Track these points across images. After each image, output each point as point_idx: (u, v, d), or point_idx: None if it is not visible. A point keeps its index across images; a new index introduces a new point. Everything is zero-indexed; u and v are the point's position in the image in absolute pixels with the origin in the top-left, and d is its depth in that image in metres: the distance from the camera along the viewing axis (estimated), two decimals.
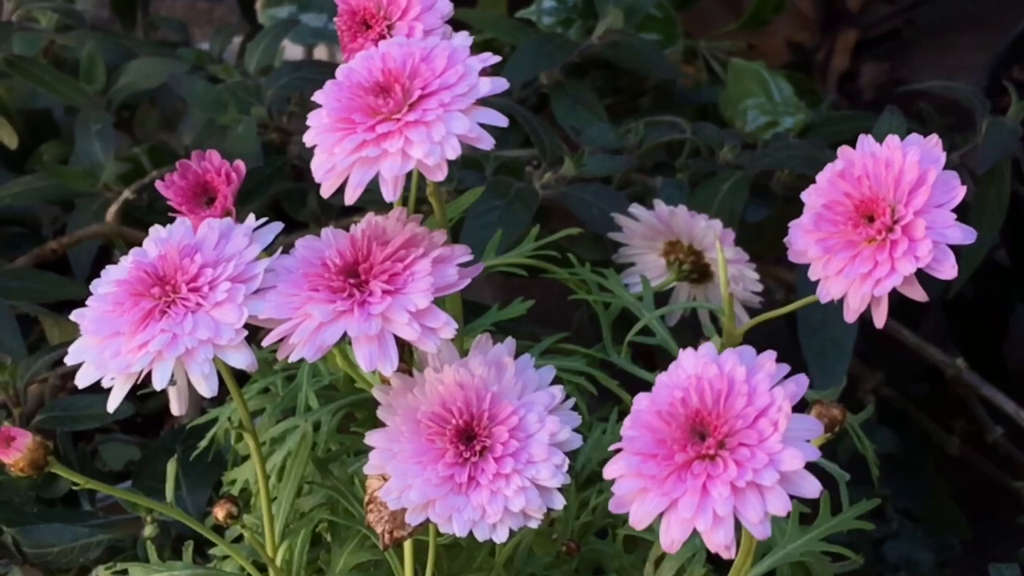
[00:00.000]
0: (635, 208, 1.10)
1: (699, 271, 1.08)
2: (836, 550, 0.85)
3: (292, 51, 1.55)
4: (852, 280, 0.71)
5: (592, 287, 0.98)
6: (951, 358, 1.28)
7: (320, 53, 1.59)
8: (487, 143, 0.73)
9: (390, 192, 0.72)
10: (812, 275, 0.73)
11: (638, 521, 0.67)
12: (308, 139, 0.75)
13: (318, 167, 0.74)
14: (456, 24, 0.81)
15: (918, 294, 0.71)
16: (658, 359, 1.09)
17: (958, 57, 1.86)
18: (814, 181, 1.18)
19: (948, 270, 0.70)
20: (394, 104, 0.72)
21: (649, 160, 1.27)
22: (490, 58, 0.75)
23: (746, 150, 1.24)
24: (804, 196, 0.74)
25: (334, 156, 0.73)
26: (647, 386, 0.93)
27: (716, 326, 1.05)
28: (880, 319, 0.72)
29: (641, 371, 0.94)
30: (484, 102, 0.74)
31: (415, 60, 0.74)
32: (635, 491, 0.67)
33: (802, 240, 0.73)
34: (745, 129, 1.34)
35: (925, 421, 1.38)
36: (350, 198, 0.73)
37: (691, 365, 0.69)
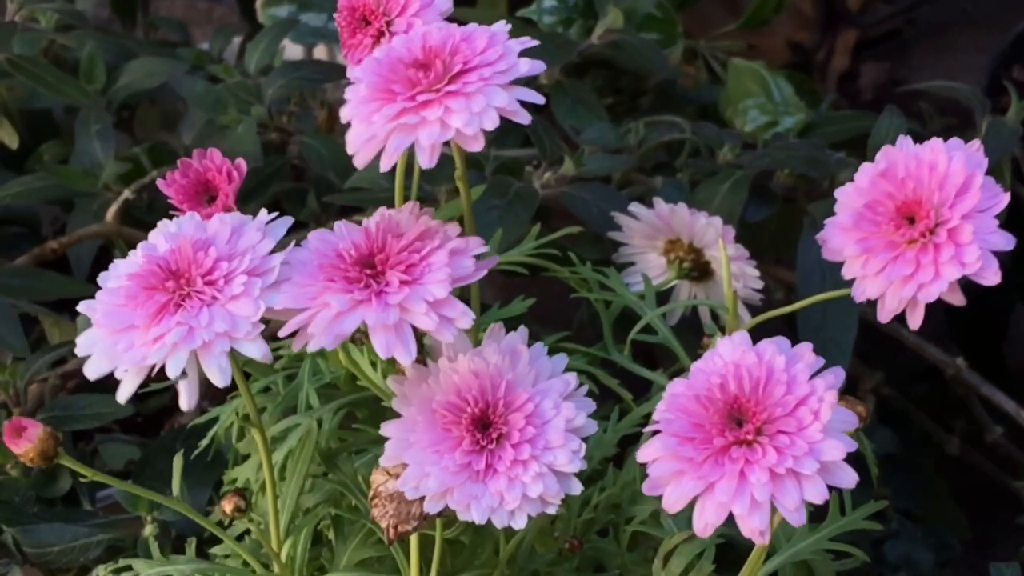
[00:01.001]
0: (635, 207, 1.10)
1: (699, 269, 1.08)
2: (840, 548, 0.85)
3: (292, 51, 1.55)
4: (892, 282, 0.71)
5: (593, 286, 0.98)
6: (951, 358, 1.28)
7: (320, 53, 1.59)
8: (524, 118, 0.74)
9: (426, 159, 0.73)
10: (847, 274, 0.73)
11: (672, 504, 0.67)
12: (345, 113, 0.75)
13: (354, 138, 0.74)
14: (456, 24, 0.81)
15: (958, 299, 0.71)
16: (659, 358, 1.09)
17: (958, 57, 1.86)
18: (814, 181, 1.19)
19: (991, 276, 0.70)
20: (435, 77, 0.73)
21: (649, 160, 1.27)
22: (528, 41, 0.76)
23: (746, 150, 1.25)
24: (840, 195, 0.74)
25: (373, 125, 0.74)
26: (648, 385, 0.93)
27: (717, 324, 1.05)
28: (916, 322, 0.72)
29: (642, 370, 0.94)
30: None
31: (456, 40, 0.75)
32: (671, 473, 0.67)
33: (839, 238, 0.73)
34: (745, 129, 1.34)
35: (925, 421, 1.38)
36: (386, 165, 0.73)
37: (729, 353, 0.69)
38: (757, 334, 0.82)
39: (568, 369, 0.92)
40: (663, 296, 1.06)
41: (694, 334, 1.02)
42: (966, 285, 1.28)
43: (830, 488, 0.67)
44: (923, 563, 1.27)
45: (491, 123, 0.73)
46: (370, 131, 0.74)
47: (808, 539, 0.83)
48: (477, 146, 0.73)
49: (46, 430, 0.77)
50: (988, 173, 1.20)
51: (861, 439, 0.95)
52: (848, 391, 1.02)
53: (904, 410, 1.38)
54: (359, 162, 0.74)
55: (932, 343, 1.29)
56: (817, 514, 0.83)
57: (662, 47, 1.40)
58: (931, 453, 1.37)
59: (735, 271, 1.04)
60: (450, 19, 0.81)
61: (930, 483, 1.35)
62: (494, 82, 0.73)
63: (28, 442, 0.77)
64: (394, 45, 0.76)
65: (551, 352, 0.95)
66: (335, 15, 0.82)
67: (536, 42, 0.76)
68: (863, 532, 0.85)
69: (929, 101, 1.36)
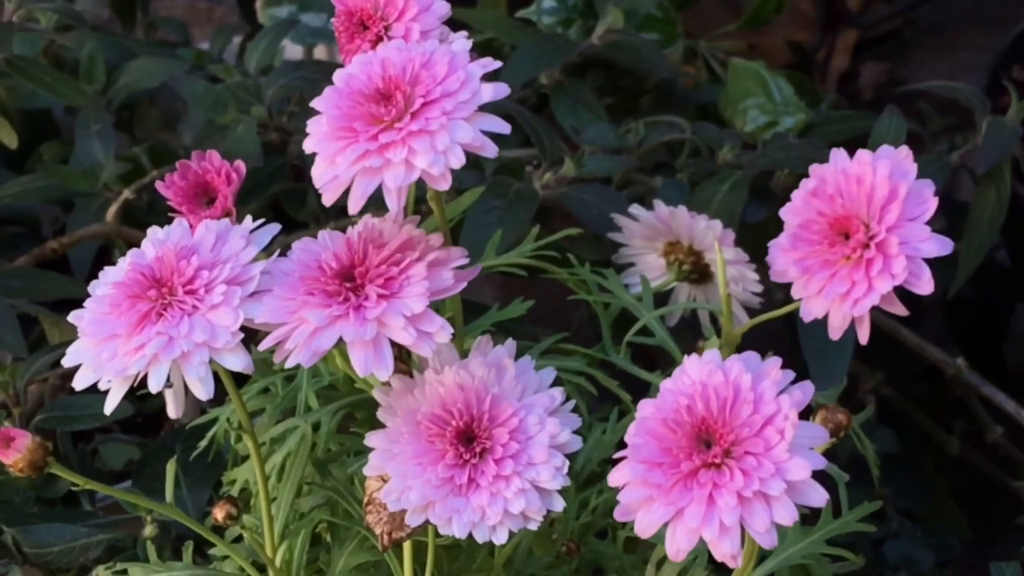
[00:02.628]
0: (635, 208, 1.10)
1: (699, 271, 1.08)
2: (837, 552, 0.85)
3: (292, 51, 1.55)
4: (832, 300, 0.71)
5: (592, 287, 0.98)
6: (951, 358, 1.28)
7: (320, 53, 1.59)
8: (491, 151, 0.72)
9: (394, 202, 0.72)
10: (794, 294, 0.73)
11: (644, 530, 0.67)
12: (308, 146, 0.74)
13: (319, 176, 0.73)
14: (456, 24, 0.81)
15: (898, 309, 0.71)
16: (657, 359, 1.09)
17: (958, 57, 1.86)
18: None
19: (924, 285, 0.70)
20: (396, 112, 0.72)
21: (649, 160, 1.27)
22: (491, 64, 0.74)
23: (746, 150, 1.24)
24: (782, 214, 0.74)
25: (336, 166, 0.72)
26: (647, 386, 0.93)
27: (716, 326, 1.05)
28: (864, 336, 0.72)
29: (641, 371, 0.94)
30: (486, 106, 0.73)
31: (415, 66, 0.73)
32: (641, 499, 0.68)
33: (782, 260, 0.73)
34: (745, 129, 1.34)
35: (925, 421, 1.38)
36: (354, 208, 0.73)
37: (696, 372, 0.69)
38: (756, 335, 0.82)
39: (567, 370, 0.93)
40: (662, 298, 1.06)
41: (693, 335, 1.02)
42: (965, 286, 1.28)
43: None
44: (923, 563, 1.27)
45: (457, 161, 0.71)
46: (333, 172, 0.72)
47: (802, 541, 0.83)
48: (445, 185, 0.72)
49: (35, 440, 0.77)
50: (988, 173, 1.21)
51: (861, 439, 0.95)
52: (848, 391, 1.03)
53: (904, 410, 1.38)
54: (327, 201, 0.73)
55: (932, 343, 1.29)
56: (813, 515, 0.84)
57: (662, 47, 1.40)
58: (931, 453, 1.37)
59: (735, 274, 1.04)
60: (449, 21, 0.81)
61: (930, 483, 1.35)
62: (457, 115, 0.72)
63: (17, 452, 0.77)
64: (353, 72, 0.75)
65: (549, 353, 0.96)
66: (332, 20, 0.81)
67: (499, 64, 0.74)
68: (863, 532, 0.85)
69: (929, 101, 1.36)
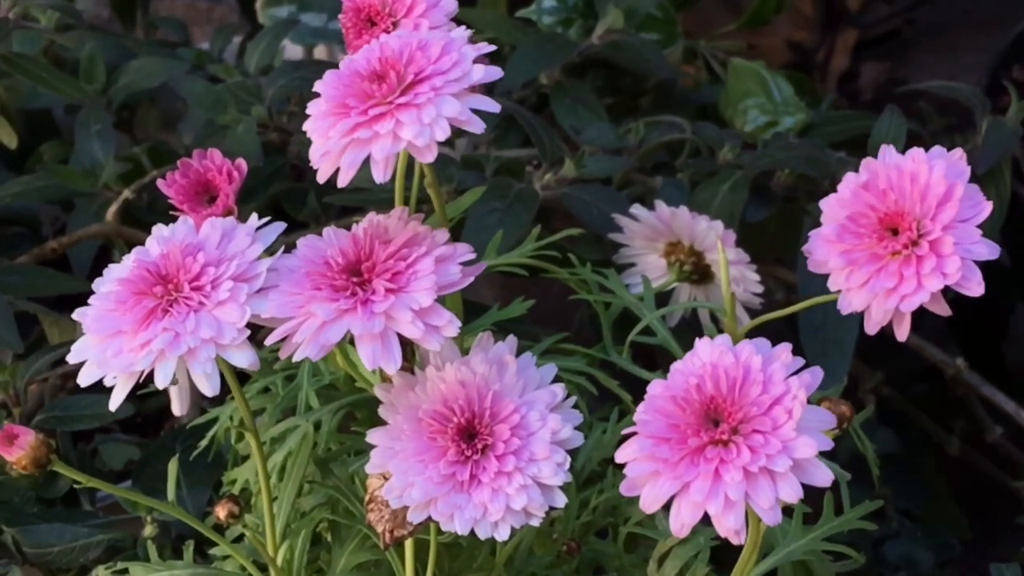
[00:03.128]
0: (636, 209, 1.10)
1: (700, 272, 1.08)
2: (838, 549, 0.85)
3: (292, 51, 1.55)
4: (876, 294, 0.71)
5: (593, 287, 0.98)
6: (951, 358, 1.28)
7: (320, 53, 1.60)
8: (477, 127, 0.73)
9: (380, 173, 0.73)
10: (832, 286, 0.73)
11: (649, 504, 0.68)
12: (306, 126, 0.75)
13: (314, 152, 0.75)
14: (456, 24, 0.81)
15: (942, 309, 0.71)
16: (658, 359, 1.09)
17: (958, 57, 1.86)
18: (814, 181, 1.19)
19: (975, 287, 0.70)
20: (387, 89, 0.73)
21: (649, 160, 1.27)
22: (485, 47, 0.75)
23: (746, 150, 1.24)
24: (824, 206, 0.74)
25: (328, 140, 0.74)
26: (647, 386, 0.93)
27: (717, 327, 1.05)
28: (903, 333, 0.72)
29: (641, 371, 0.94)
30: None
31: (412, 48, 0.74)
32: (647, 474, 0.68)
33: (823, 251, 0.73)
34: (745, 129, 1.34)
35: (925, 421, 1.38)
36: (343, 180, 0.74)
37: (707, 353, 0.69)
38: (757, 335, 0.82)
39: (567, 370, 0.93)
40: (663, 298, 1.06)
41: (694, 336, 1.02)
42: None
43: (813, 488, 0.67)
44: (923, 563, 1.27)
45: (442, 133, 0.72)
46: (326, 146, 0.74)
47: (803, 539, 0.83)
48: (430, 157, 0.73)
49: (38, 437, 0.77)
50: (988, 173, 1.21)
51: (862, 439, 0.95)
52: (848, 391, 1.03)
53: (904, 410, 1.38)
54: (321, 176, 0.74)
55: (932, 343, 1.29)
56: (814, 514, 0.84)
57: (662, 47, 1.40)
58: (931, 453, 1.37)
59: (735, 275, 1.04)
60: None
61: (930, 483, 1.35)
62: (446, 91, 0.73)
63: (20, 449, 0.77)
64: (355, 57, 0.76)
65: (549, 353, 0.96)
66: (340, 16, 0.82)
67: (493, 47, 0.76)
68: (863, 532, 0.85)
69: (929, 101, 1.36)
